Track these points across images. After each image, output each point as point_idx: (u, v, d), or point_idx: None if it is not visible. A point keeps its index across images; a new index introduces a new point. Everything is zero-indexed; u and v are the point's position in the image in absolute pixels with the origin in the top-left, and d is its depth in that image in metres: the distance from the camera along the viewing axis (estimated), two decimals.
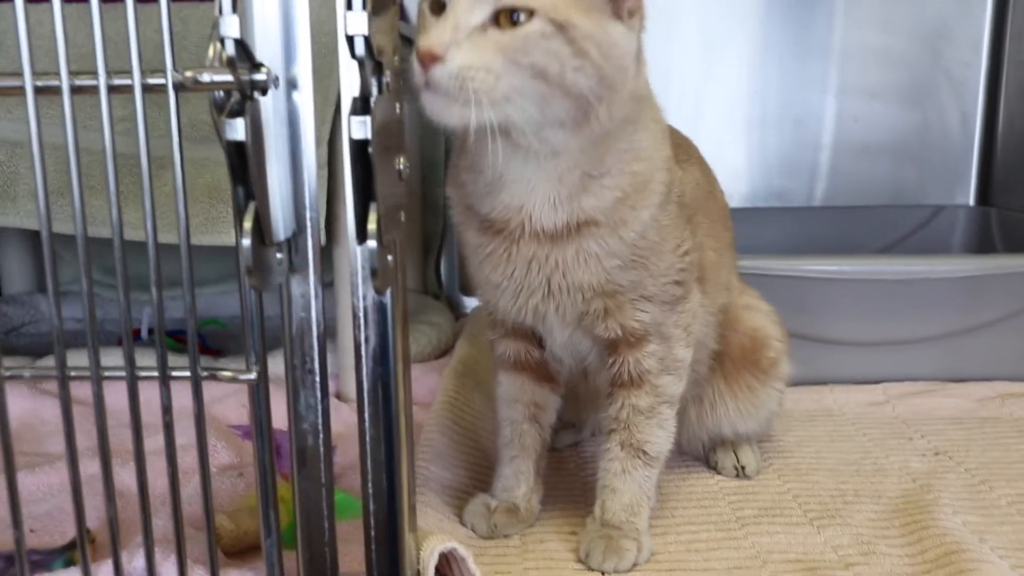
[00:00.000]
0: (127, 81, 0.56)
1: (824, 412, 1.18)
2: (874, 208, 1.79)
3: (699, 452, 1.03)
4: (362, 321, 0.58)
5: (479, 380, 1.23)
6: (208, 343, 1.51)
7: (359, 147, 0.51)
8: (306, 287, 0.59)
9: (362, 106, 0.52)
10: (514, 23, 0.66)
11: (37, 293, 1.79)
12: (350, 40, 0.49)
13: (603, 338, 0.84)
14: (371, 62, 0.51)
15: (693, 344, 0.88)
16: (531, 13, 0.66)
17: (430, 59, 0.65)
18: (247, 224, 0.52)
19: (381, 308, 0.58)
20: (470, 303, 1.79)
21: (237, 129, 0.50)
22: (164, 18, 0.55)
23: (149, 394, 0.61)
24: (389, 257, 0.55)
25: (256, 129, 0.52)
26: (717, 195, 0.99)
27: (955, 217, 1.75)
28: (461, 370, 1.24)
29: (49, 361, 1.32)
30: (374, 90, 0.52)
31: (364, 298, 0.58)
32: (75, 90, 0.57)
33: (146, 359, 0.61)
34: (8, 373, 0.64)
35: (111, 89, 0.56)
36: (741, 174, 1.82)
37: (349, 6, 0.49)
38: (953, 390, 1.25)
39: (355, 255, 0.56)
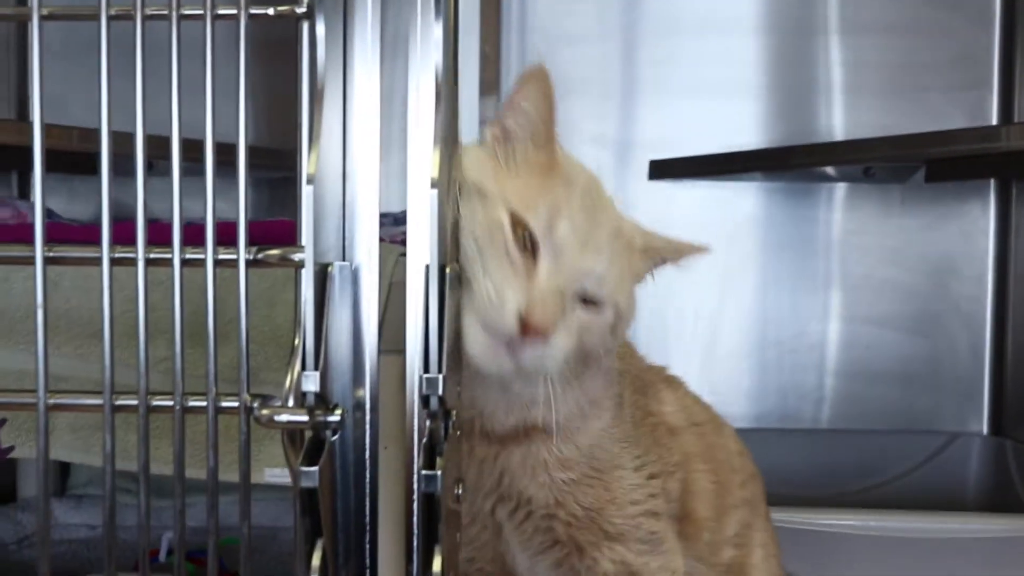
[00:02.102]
0: (202, 403, 0.59)
1: None
2: (887, 433, 1.79)
3: None
4: None
5: None
6: (227, 565, 1.48)
7: (427, 497, 0.53)
8: None
9: (430, 458, 0.54)
10: (591, 305, 0.67)
11: (53, 497, 1.77)
12: (425, 399, 0.52)
13: None
14: (442, 411, 0.53)
15: None
16: (605, 304, 0.67)
17: (534, 333, 0.61)
18: (315, 563, 0.53)
19: None
20: None
21: (313, 478, 0.52)
22: (242, 345, 0.58)
23: None
24: None
25: (330, 470, 0.54)
26: (724, 434, 0.92)
27: (969, 446, 1.75)
28: None
29: None
30: (443, 436, 0.54)
31: None
32: (151, 409, 0.60)
33: None
34: None
35: (185, 410, 0.59)
36: (753, 396, 1.84)
37: (426, 368, 0.52)
38: None
39: None
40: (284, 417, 0.55)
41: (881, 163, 1.59)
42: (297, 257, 0.56)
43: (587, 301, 0.67)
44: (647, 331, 1.58)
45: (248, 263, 0.59)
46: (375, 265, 0.57)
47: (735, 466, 0.92)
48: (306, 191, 0.50)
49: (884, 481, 1.72)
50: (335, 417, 0.55)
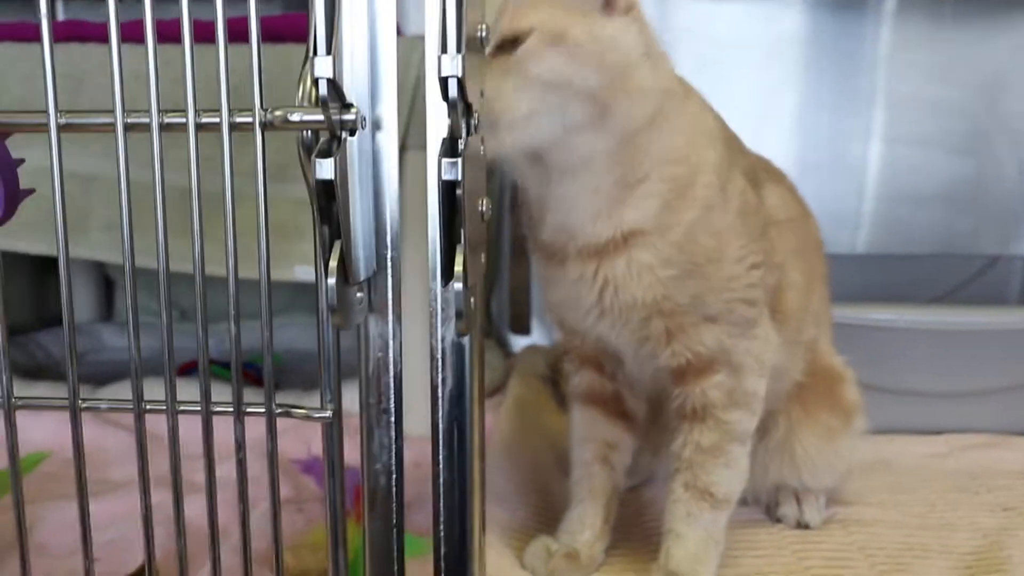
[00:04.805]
0: (215, 119, 0.55)
1: (883, 463, 1.14)
2: (927, 257, 1.74)
3: (759, 499, 0.98)
4: (440, 363, 0.57)
5: (533, 420, 1.20)
6: (262, 376, 1.50)
7: (448, 189, 0.50)
8: (384, 327, 0.57)
9: (451, 148, 0.51)
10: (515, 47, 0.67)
11: (99, 323, 1.80)
12: (443, 82, 0.48)
13: (669, 367, 0.79)
14: (463, 104, 0.50)
15: (767, 375, 0.81)
16: (527, 33, 0.66)
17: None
18: (333, 263, 0.51)
19: (459, 350, 0.57)
20: (518, 342, 1.77)
21: (327, 169, 0.49)
22: (254, 55, 0.55)
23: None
24: (472, 300, 0.54)
25: (344, 169, 0.51)
26: (810, 223, 0.94)
27: (1012, 268, 1.70)
28: (515, 410, 1.22)
29: (113, 390, 1.32)
30: (463, 132, 0.51)
31: (443, 340, 0.56)
32: (164, 127, 0.56)
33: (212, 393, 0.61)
34: (85, 405, 0.63)
35: (199, 127, 0.56)
36: None
37: (444, 49, 0.48)
38: (1016, 443, 1.20)
39: (436, 296, 0.54)
40: (298, 116, 0.52)
41: None
42: None
43: (503, 46, 0.67)
44: None
45: None
46: None
47: (818, 251, 0.94)
48: None
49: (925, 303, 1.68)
50: (350, 115, 0.52)
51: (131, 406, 0.62)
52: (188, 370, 1.46)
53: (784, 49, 1.75)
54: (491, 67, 0.65)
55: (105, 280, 1.85)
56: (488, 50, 0.64)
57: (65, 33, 1.25)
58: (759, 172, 0.86)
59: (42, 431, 1.15)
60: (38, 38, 0.55)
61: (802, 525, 0.95)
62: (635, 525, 0.95)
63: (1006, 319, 1.18)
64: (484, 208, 0.57)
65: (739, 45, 1.74)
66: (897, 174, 1.77)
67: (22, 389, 1.32)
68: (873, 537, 0.93)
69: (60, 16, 1.78)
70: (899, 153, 1.76)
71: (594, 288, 0.76)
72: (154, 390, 0.61)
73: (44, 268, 1.65)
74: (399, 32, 0.56)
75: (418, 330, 0.60)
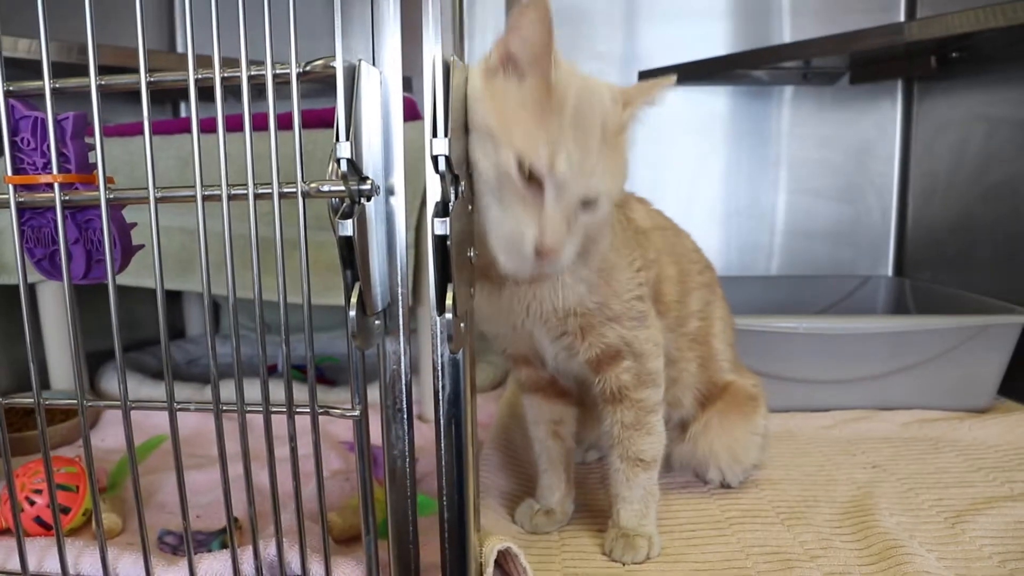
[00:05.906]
0: (268, 190, 0.53)
1: (788, 434, 1.11)
2: (819, 277, 1.72)
3: (686, 468, 0.93)
4: (440, 373, 0.54)
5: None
6: (325, 375, 1.48)
7: (440, 241, 0.48)
8: (397, 346, 0.55)
9: (443, 209, 0.48)
10: (590, 205, 0.60)
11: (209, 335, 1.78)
12: (435, 159, 0.46)
13: (587, 359, 0.73)
14: (450, 175, 0.48)
15: (662, 355, 0.75)
16: (601, 199, 0.60)
17: (550, 253, 0.57)
18: (353, 299, 0.49)
19: (455, 363, 0.54)
20: None
21: (347, 227, 0.47)
22: (297, 143, 0.53)
23: (281, 418, 0.58)
24: (462, 325, 0.51)
25: (362, 227, 0.49)
26: (681, 237, 0.87)
27: (878, 285, 1.66)
28: (512, 400, 1.19)
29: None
30: (452, 196, 0.49)
31: (442, 355, 0.53)
32: (231, 197, 0.54)
33: (278, 390, 0.58)
34: (179, 406, 0.61)
35: (257, 196, 0.54)
36: (720, 252, 1.77)
37: (435, 134, 0.46)
38: (884, 416, 1.16)
39: (435, 323, 0.52)
40: (326, 187, 0.50)
41: (817, 56, 1.45)
42: (334, 63, 0.49)
43: (586, 203, 0.60)
44: None
45: (299, 76, 0.52)
46: (398, 68, 0.50)
47: (693, 259, 0.87)
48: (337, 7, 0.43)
49: (816, 312, 1.65)
50: (366, 186, 0.49)
51: (211, 407, 0.60)
52: (270, 371, 1.43)
53: (714, 125, 1.73)
54: (577, 223, 0.59)
55: (214, 303, 1.83)
56: (579, 208, 0.59)
57: (181, 127, 1.23)
58: (624, 197, 0.80)
59: (162, 419, 1.12)
60: (159, 132, 0.54)
61: (725, 485, 0.91)
62: (599, 489, 0.92)
63: (874, 325, 1.15)
64: (472, 254, 0.55)
65: (681, 122, 1.72)
66: (797, 217, 1.75)
67: (153, 387, 1.30)
68: (779, 492, 0.90)
69: (183, 113, 1.77)
70: (798, 201, 1.74)
71: (523, 303, 0.69)
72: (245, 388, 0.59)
73: (170, 295, 1.62)
74: (420, 116, 0.53)
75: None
